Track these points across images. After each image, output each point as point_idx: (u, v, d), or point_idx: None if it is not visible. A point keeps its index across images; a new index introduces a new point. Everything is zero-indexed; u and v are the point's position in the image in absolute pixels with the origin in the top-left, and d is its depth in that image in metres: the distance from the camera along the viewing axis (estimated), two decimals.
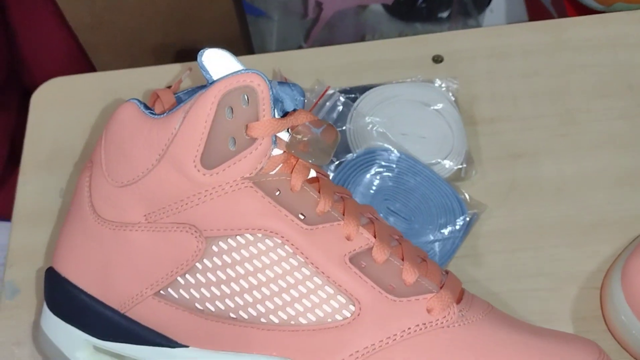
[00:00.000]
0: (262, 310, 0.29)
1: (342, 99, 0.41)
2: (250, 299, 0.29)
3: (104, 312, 0.31)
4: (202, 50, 0.29)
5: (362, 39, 0.69)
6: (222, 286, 0.29)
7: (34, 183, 0.42)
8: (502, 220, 0.38)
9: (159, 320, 0.30)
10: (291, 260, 0.29)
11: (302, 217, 0.29)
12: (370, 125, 0.39)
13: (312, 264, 0.29)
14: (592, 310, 0.34)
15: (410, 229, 0.36)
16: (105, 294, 0.31)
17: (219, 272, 0.29)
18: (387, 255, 0.29)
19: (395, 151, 0.38)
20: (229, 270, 0.29)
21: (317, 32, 0.62)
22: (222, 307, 0.29)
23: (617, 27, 0.44)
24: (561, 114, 0.41)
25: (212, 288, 0.29)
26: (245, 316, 0.29)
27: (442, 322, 0.28)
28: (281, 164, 0.29)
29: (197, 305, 0.30)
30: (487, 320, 0.29)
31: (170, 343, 0.30)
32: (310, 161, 0.29)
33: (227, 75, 0.28)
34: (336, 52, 0.45)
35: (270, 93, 0.29)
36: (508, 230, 0.37)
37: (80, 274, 0.32)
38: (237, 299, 0.29)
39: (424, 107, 0.40)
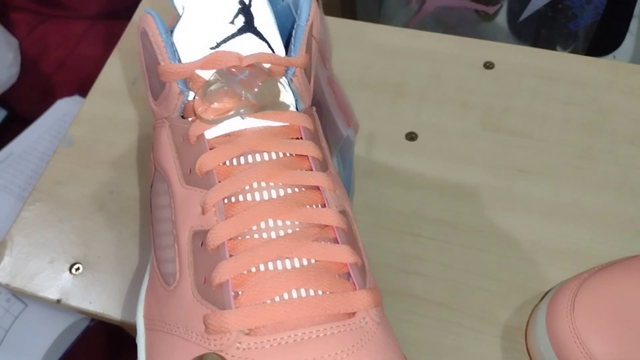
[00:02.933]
0: None
1: None
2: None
3: None
4: None
5: None
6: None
7: (118, 66, 0.49)
8: (479, 221, 0.40)
9: None
10: (169, 210, 0.29)
11: (188, 172, 0.28)
12: None
13: (173, 221, 0.28)
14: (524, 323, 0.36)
15: None
16: None
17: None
18: (217, 244, 0.26)
19: None
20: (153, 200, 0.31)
21: (416, 20, 0.65)
22: None
23: None
24: (582, 148, 0.42)
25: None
26: None
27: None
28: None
29: None
30: None
31: None
32: (209, 118, 0.27)
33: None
34: (396, 33, 0.48)
35: (163, 36, 0.28)
36: (480, 231, 0.39)
37: None
38: None
39: None
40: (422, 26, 0.68)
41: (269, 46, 0.29)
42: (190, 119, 0.29)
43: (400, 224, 0.40)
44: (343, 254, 0.26)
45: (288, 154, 0.28)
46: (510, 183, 0.41)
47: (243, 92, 0.27)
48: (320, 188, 0.28)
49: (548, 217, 0.39)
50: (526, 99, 0.44)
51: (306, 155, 0.28)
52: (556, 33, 0.71)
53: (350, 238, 0.27)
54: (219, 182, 0.27)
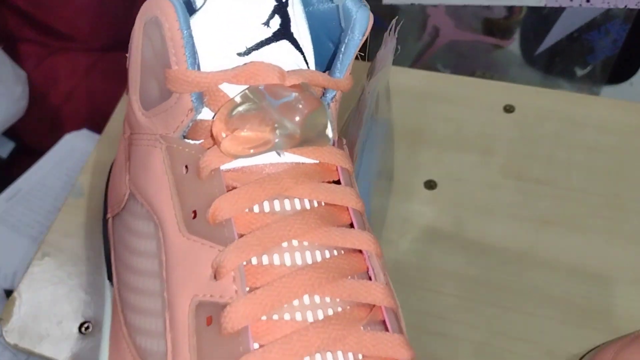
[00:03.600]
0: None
1: None
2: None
3: None
4: None
5: (472, 74, 0.69)
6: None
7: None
8: (504, 276, 0.38)
9: None
10: (156, 261, 0.22)
11: (192, 215, 0.22)
12: None
13: (164, 279, 0.22)
14: None
15: None
16: None
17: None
18: (237, 327, 0.20)
19: None
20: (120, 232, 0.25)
21: (429, 54, 0.64)
22: None
23: None
24: (610, 197, 0.40)
25: None
26: None
27: None
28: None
29: None
30: None
31: None
32: (234, 150, 0.21)
33: None
34: (412, 74, 0.47)
35: (184, 32, 0.21)
36: (506, 288, 0.37)
37: None
38: None
39: None
40: (435, 55, 0.67)
41: (304, 59, 0.23)
42: (197, 143, 0.22)
43: (420, 280, 0.38)
44: (397, 349, 0.21)
45: (323, 203, 0.22)
46: (535, 235, 0.39)
47: (284, 120, 0.21)
48: (365, 253, 0.22)
49: (577, 273, 0.38)
50: (549, 145, 0.43)
51: (346, 207, 0.23)
52: (572, 64, 0.70)
53: (399, 321, 0.22)
54: (240, 236, 0.21)
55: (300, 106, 0.21)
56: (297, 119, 0.21)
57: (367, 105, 0.36)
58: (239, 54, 0.22)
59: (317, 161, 0.23)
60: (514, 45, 0.73)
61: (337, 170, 0.23)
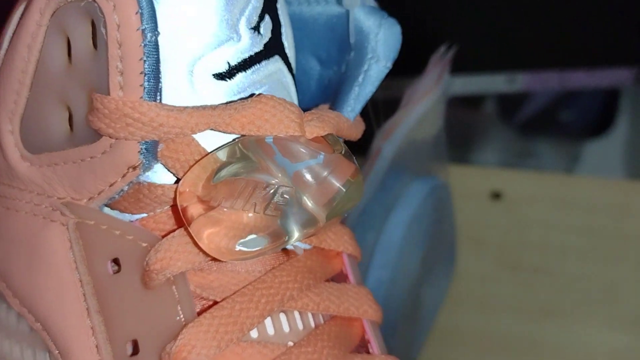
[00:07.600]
0: None
1: None
2: None
3: None
4: None
5: (450, 142, 0.69)
6: None
7: None
8: None
9: None
10: None
11: (129, 349, 0.14)
12: None
13: None
14: None
15: None
16: None
17: None
18: None
19: None
20: None
21: None
22: None
23: None
24: (607, 281, 0.40)
25: None
26: None
27: None
28: (167, 207, 0.14)
29: None
30: None
31: None
32: (216, 247, 0.14)
33: None
34: None
35: (147, 35, 0.13)
36: None
37: None
38: None
39: None
40: None
41: (295, 85, 0.16)
42: (135, 219, 0.14)
43: None
44: None
45: (331, 314, 0.15)
46: (537, 328, 0.39)
47: (303, 198, 0.14)
48: None
49: None
50: (541, 231, 0.42)
51: (359, 318, 0.16)
52: (552, 122, 0.71)
53: None
54: None
55: (330, 176, 0.14)
56: (324, 197, 0.14)
57: (375, 170, 0.25)
58: (217, 76, 0.14)
59: (311, 245, 0.16)
60: (490, 109, 0.74)
61: (340, 257, 0.16)
